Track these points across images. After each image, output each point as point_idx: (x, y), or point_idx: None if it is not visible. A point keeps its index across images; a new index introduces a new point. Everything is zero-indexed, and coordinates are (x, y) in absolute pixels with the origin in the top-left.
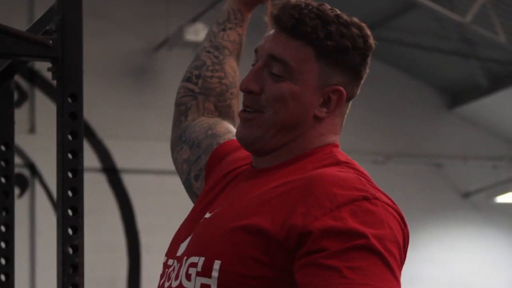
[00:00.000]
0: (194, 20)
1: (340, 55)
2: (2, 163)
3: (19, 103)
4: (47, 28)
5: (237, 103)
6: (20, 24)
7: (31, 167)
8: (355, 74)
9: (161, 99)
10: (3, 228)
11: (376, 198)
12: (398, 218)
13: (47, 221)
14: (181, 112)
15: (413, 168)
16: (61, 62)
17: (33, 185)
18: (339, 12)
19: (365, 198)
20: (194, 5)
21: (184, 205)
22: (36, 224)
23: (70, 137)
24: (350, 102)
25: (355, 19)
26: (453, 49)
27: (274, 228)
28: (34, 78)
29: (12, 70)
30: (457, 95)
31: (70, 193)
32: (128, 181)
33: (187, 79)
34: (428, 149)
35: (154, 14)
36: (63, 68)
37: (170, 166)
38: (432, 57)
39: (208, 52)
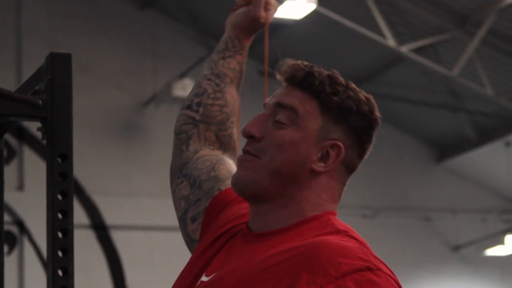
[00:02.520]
0: (182, 75)
1: (344, 114)
2: None
3: (8, 160)
4: (36, 88)
5: (237, 132)
6: (8, 82)
7: (20, 224)
8: (357, 139)
9: (149, 155)
10: None
11: (379, 269)
12: None
13: (36, 278)
14: (182, 140)
15: (402, 222)
16: (51, 122)
17: (21, 242)
18: (349, 81)
19: (369, 269)
20: (181, 61)
21: (172, 260)
22: (25, 281)
23: (60, 197)
24: (350, 175)
25: (364, 91)
26: (440, 102)
27: None
28: (22, 135)
29: (1, 129)
30: (445, 148)
31: (60, 254)
32: (117, 237)
33: (188, 106)
34: (417, 203)
35: (141, 70)
36: (53, 128)
37: (158, 221)
38: (419, 110)
39: (209, 80)
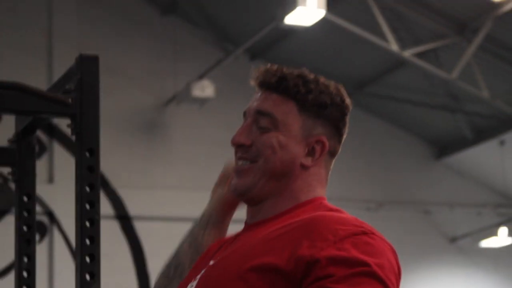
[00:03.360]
0: (201, 77)
1: (320, 109)
2: (25, 213)
3: (39, 154)
4: (67, 87)
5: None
6: (40, 82)
7: (50, 214)
8: (335, 129)
9: (169, 151)
10: (25, 274)
11: (373, 233)
12: (393, 252)
13: (65, 265)
14: None
15: (404, 215)
16: (80, 119)
17: (51, 232)
18: (318, 76)
19: (364, 233)
20: (200, 63)
21: None
22: (55, 268)
23: (87, 189)
24: (334, 159)
25: (333, 82)
26: (440, 103)
27: (282, 262)
28: (52, 131)
29: (33, 126)
30: (444, 147)
31: (88, 241)
32: (139, 227)
33: (164, 273)
34: (417, 197)
35: (163, 71)
36: (81, 125)
37: (178, 213)
38: (421, 111)
39: (186, 254)
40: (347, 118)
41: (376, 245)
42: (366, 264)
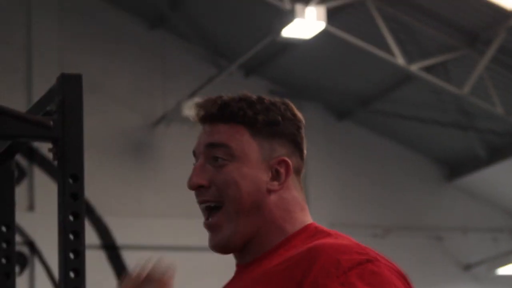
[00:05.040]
0: (192, 95)
1: (273, 127)
2: (3, 245)
3: (18, 180)
4: (48, 108)
5: None
6: (19, 103)
7: (31, 244)
8: (294, 145)
9: (159, 175)
10: None
11: (378, 260)
12: (401, 277)
13: None
14: None
15: (413, 241)
16: (62, 143)
17: (32, 263)
18: (260, 95)
19: (368, 261)
20: (191, 80)
21: (183, 280)
22: None
23: (71, 218)
24: (300, 177)
25: (278, 98)
26: (450, 121)
27: None
28: (33, 155)
29: (12, 150)
30: (455, 167)
31: (72, 274)
32: (128, 257)
33: None
34: (427, 222)
35: (151, 89)
36: (64, 149)
37: (168, 241)
38: (430, 129)
39: None
40: (303, 132)
41: (384, 274)
42: None
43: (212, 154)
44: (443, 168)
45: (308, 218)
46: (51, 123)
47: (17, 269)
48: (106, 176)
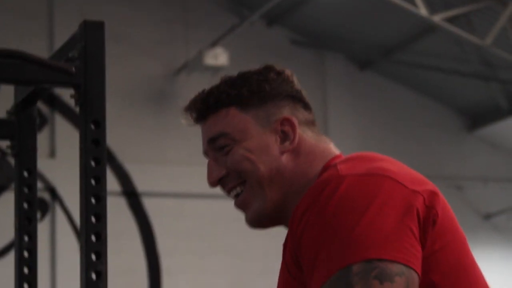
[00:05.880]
0: (213, 44)
1: (261, 93)
2: (25, 189)
3: (40, 127)
4: (70, 55)
5: None
6: (40, 50)
7: (52, 191)
8: (291, 100)
9: (180, 123)
10: (25, 254)
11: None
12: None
13: (68, 244)
14: None
15: None
16: (84, 89)
17: (53, 209)
18: (240, 71)
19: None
20: (213, 30)
21: (203, 228)
22: (57, 248)
23: (93, 163)
24: (315, 126)
25: (258, 67)
26: (473, 71)
27: None
28: (54, 102)
29: (34, 97)
30: (477, 117)
31: (93, 219)
32: (148, 204)
33: None
34: (448, 171)
35: (173, 38)
36: (86, 95)
37: (190, 189)
38: (452, 80)
39: None
40: (295, 84)
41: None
42: None
43: (216, 147)
44: (465, 118)
45: (327, 157)
46: (74, 69)
47: (38, 215)
48: (128, 124)
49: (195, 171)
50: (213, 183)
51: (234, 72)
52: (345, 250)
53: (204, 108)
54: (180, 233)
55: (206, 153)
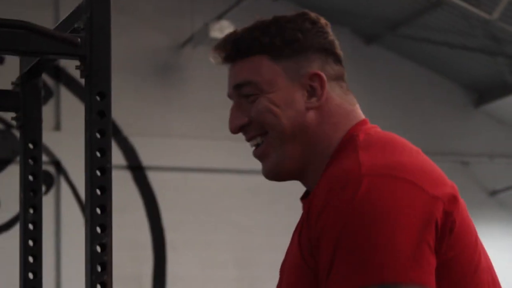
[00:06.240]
0: (219, 17)
1: (294, 44)
2: (30, 161)
3: (45, 100)
4: (75, 26)
5: None
6: (46, 21)
7: (57, 164)
8: (324, 53)
9: (186, 96)
10: (30, 226)
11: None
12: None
13: (73, 218)
14: None
15: (439, 166)
16: (90, 60)
17: (58, 182)
18: (276, 15)
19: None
20: (219, 2)
21: (208, 202)
22: (62, 221)
23: (98, 135)
24: (344, 82)
25: (293, 12)
26: (479, 46)
27: None
28: (59, 75)
29: (39, 68)
30: (483, 93)
31: (98, 192)
32: (153, 178)
33: None
34: (454, 147)
35: (179, 10)
36: (91, 67)
37: (195, 163)
38: (458, 54)
39: None
40: (331, 35)
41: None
42: None
43: (241, 93)
44: (471, 93)
45: (352, 122)
46: (79, 40)
47: (43, 188)
48: (133, 97)
49: (200, 144)
50: (234, 130)
51: None
52: (360, 270)
53: (234, 51)
54: (185, 207)
55: (230, 96)
